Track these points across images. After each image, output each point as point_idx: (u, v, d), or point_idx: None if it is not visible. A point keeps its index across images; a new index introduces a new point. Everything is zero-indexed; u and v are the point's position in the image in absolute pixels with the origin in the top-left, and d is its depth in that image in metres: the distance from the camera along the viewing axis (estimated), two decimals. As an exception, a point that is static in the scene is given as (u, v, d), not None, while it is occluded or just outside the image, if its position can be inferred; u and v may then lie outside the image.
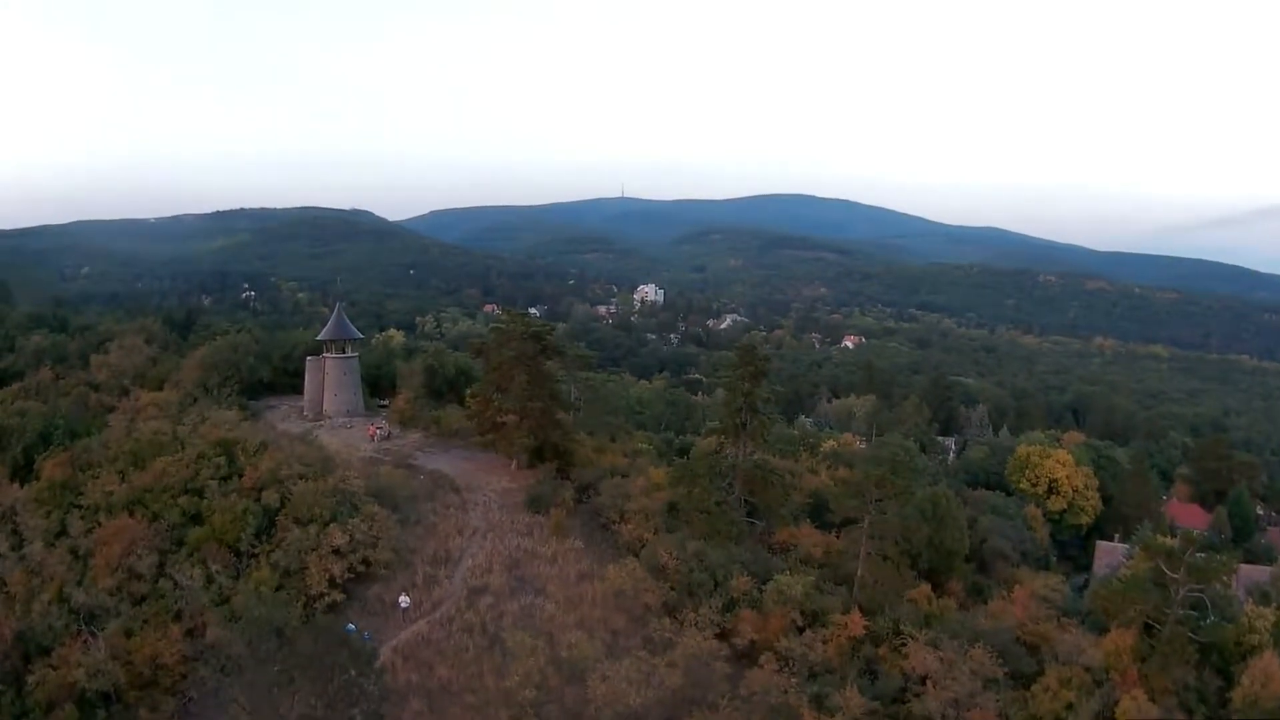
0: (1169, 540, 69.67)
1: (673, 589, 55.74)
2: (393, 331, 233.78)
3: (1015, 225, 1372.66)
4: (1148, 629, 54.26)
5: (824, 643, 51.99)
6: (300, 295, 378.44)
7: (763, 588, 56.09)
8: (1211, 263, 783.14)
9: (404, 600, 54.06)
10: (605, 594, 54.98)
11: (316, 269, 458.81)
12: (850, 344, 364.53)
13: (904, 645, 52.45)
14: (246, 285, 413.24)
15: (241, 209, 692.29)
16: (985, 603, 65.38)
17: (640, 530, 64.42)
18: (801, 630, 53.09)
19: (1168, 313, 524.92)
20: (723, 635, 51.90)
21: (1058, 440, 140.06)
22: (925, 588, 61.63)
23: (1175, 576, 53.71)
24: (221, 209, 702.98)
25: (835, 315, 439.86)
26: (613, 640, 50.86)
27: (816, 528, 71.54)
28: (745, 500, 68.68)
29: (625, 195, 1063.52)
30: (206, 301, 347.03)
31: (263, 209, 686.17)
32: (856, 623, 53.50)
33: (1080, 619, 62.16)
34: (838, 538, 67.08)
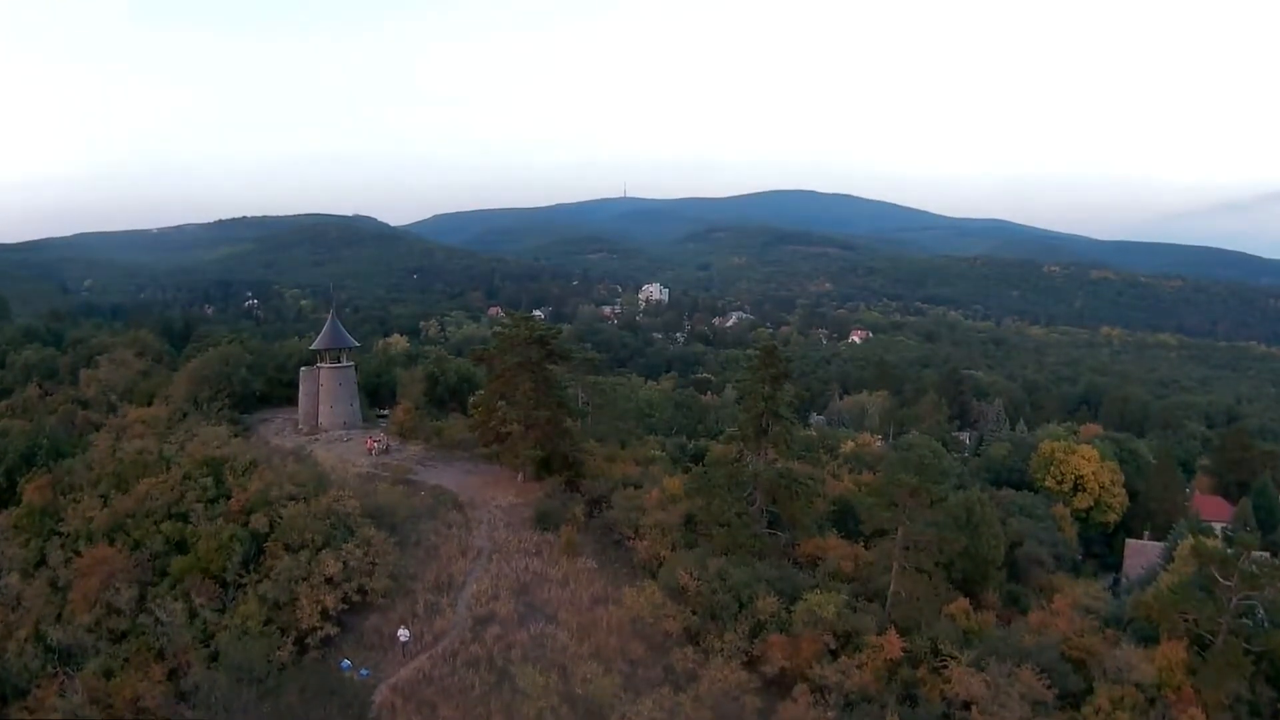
0: (1213, 542, 66.09)
1: (694, 613, 51.66)
2: (396, 337, 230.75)
3: (1019, 216, 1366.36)
4: (1197, 639, 50.47)
5: (859, 668, 48.08)
6: (304, 303, 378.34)
7: (791, 608, 52.01)
8: (1215, 249, 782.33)
9: (403, 633, 49.99)
10: (622, 620, 51.07)
11: (320, 275, 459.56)
12: (858, 339, 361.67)
13: (944, 667, 48.65)
14: (250, 294, 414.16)
15: (244, 217, 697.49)
16: (1024, 614, 61.57)
17: (657, 546, 60.28)
18: (835, 654, 49.23)
19: (1174, 300, 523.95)
20: (750, 663, 48.09)
21: (1075, 433, 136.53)
22: (963, 602, 57.48)
23: (1229, 584, 50.04)
24: (224, 218, 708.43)
25: (841, 310, 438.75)
26: (631, 672, 47.08)
27: (842, 537, 67.66)
28: (767, 510, 64.66)
29: (628, 195, 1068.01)
30: (210, 311, 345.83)
31: (265, 217, 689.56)
32: (894, 644, 49.47)
33: (1122, 627, 58.11)
34: (866, 548, 63.18)
